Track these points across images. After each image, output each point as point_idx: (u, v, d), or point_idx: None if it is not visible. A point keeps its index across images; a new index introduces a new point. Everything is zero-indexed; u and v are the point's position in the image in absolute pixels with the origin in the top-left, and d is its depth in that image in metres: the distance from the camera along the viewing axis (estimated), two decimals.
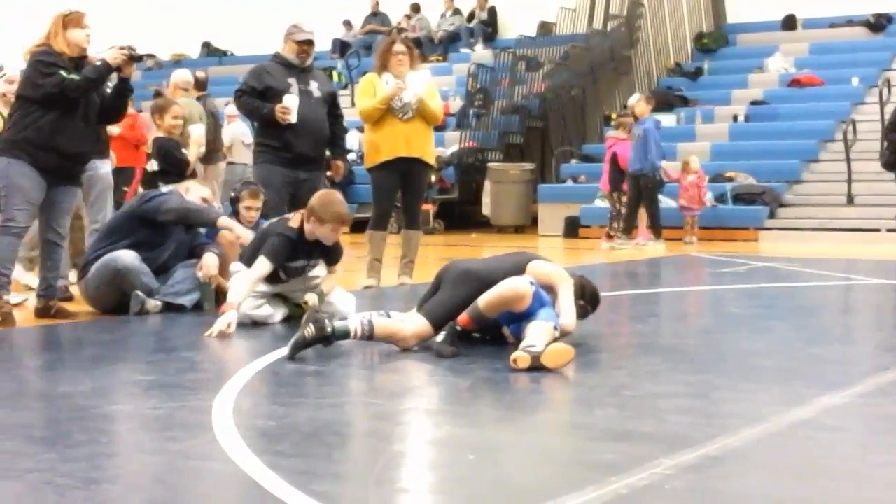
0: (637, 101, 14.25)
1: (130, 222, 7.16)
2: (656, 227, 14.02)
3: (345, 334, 5.40)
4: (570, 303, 5.56)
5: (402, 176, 8.54)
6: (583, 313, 5.79)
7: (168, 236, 7.20)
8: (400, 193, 8.71)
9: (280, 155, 8.05)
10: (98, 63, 6.62)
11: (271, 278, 6.48)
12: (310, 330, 5.26)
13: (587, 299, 5.84)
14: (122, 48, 6.68)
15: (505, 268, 5.63)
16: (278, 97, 7.95)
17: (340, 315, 6.19)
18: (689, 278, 10.33)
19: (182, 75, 10.84)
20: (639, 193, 13.90)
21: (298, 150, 8.03)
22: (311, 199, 6.45)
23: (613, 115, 19.25)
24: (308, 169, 8.13)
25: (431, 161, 8.77)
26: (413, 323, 5.51)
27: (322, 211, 6.33)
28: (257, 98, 8.05)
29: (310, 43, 8.16)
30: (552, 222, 17.29)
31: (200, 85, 11.91)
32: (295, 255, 6.48)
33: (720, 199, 16.07)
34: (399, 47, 8.51)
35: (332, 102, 8.36)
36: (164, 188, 8.16)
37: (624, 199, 14.46)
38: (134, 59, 6.73)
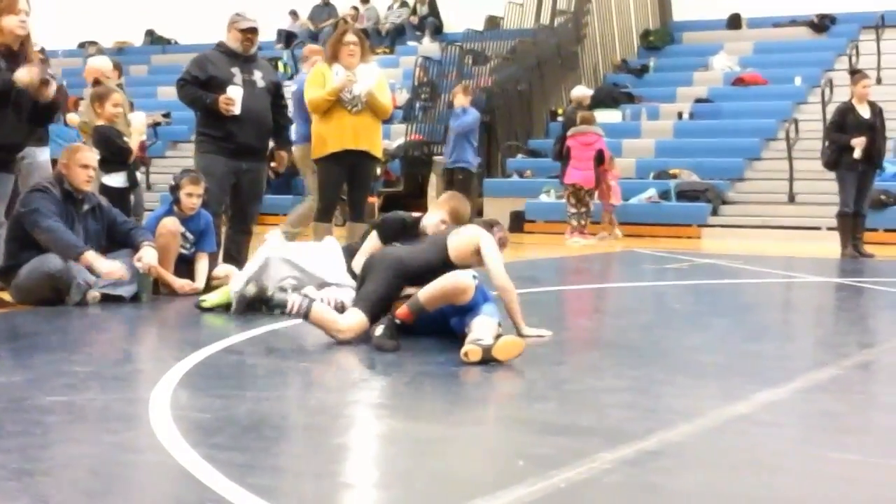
0: (455, 92, 14.22)
1: (24, 229, 6.99)
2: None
3: (281, 305, 5.40)
4: (496, 262, 5.58)
5: (349, 168, 8.50)
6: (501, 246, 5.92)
7: (73, 229, 7.00)
8: (346, 186, 8.67)
9: (222, 145, 7.98)
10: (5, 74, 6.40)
11: None
12: (251, 287, 5.42)
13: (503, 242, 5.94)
14: (39, 76, 6.43)
15: (428, 255, 5.65)
16: (221, 87, 7.88)
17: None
18: (631, 274, 10.38)
19: (100, 62, 10.56)
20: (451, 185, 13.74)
21: (241, 141, 7.96)
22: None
23: (560, 111, 19.33)
24: (251, 160, 8.07)
25: (378, 154, 8.73)
26: (349, 316, 5.49)
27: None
28: (200, 88, 7.96)
29: (254, 31, 8.09)
30: (498, 217, 17.21)
31: (120, 73, 11.52)
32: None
33: (664, 195, 16.19)
34: (350, 38, 8.44)
35: (275, 93, 8.29)
36: (106, 177, 8.09)
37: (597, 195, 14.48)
38: (46, 84, 6.49)
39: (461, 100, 14.20)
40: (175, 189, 7.60)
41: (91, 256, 6.84)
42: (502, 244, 5.84)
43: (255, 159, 8.11)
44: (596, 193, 15.02)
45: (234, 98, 7.83)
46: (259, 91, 8.07)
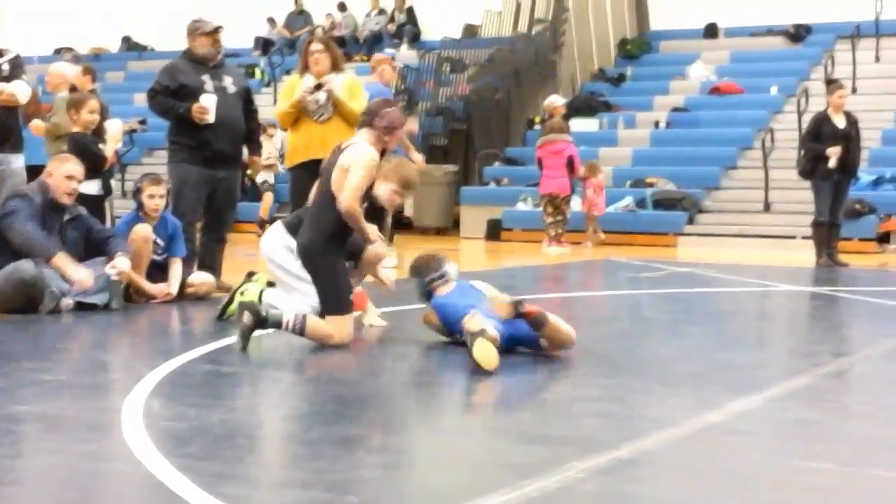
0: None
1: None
2: None
3: (276, 324, 5.45)
4: (349, 183, 5.62)
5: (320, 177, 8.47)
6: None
7: (51, 236, 6.98)
8: None
9: (197, 153, 7.94)
10: None
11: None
12: (247, 317, 5.35)
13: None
14: None
15: (314, 209, 5.86)
16: (193, 95, 7.84)
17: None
18: (607, 283, 10.40)
19: (63, 68, 10.43)
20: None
21: (216, 149, 7.93)
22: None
23: (537, 119, 19.36)
24: (225, 167, 8.04)
25: None
26: (339, 327, 5.55)
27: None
28: (170, 97, 7.94)
29: (217, 30, 8.07)
30: (474, 225, 17.32)
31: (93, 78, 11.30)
32: None
33: (640, 204, 16.24)
34: (315, 46, 8.31)
35: (246, 98, 8.26)
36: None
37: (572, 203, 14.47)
38: None
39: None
40: (137, 193, 7.58)
41: (61, 260, 6.81)
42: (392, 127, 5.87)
43: (229, 167, 8.09)
44: (579, 203, 15.05)
45: (207, 106, 7.80)
46: (231, 97, 8.05)
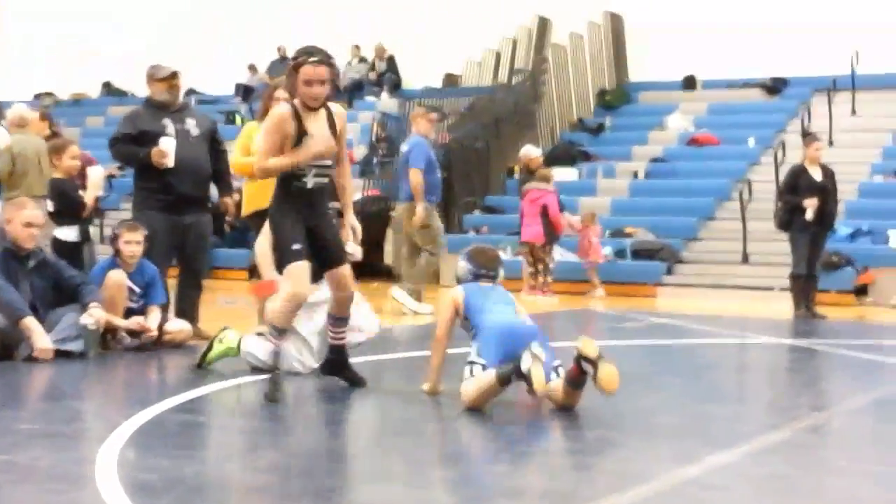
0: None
1: None
2: None
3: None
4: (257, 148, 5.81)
5: None
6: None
7: (18, 286, 6.88)
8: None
9: (160, 198, 7.90)
10: None
11: None
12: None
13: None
14: None
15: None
16: (154, 141, 7.82)
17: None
18: (585, 333, 10.39)
19: (17, 110, 10.38)
20: None
21: (179, 192, 7.89)
22: None
23: (516, 168, 19.43)
24: (192, 212, 7.98)
25: None
26: (287, 277, 5.60)
27: None
28: (132, 143, 7.93)
29: (176, 76, 8.08)
30: (455, 273, 17.29)
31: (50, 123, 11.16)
32: None
33: (619, 254, 16.27)
34: (281, 93, 8.37)
35: (212, 139, 8.19)
36: (58, 230, 8.02)
37: (551, 251, 14.44)
38: None
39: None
40: (114, 240, 7.54)
41: (30, 323, 6.71)
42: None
43: (195, 210, 8.02)
44: (560, 252, 15.06)
45: (166, 150, 7.79)
46: (194, 139, 8.01)
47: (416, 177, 11.03)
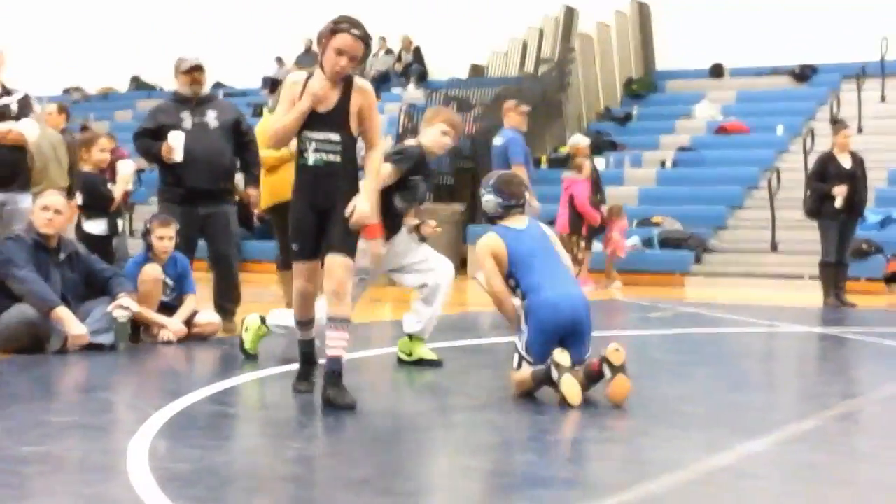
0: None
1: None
2: None
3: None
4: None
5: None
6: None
7: (48, 278, 6.93)
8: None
9: (175, 191, 8.00)
10: None
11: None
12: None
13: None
14: None
15: None
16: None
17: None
18: (614, 323, 10.37)
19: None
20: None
21: (191, 185, 7.93)
22: None
23: (543, 158, 19.39)
24: (208, 203, 8.01)
25: None
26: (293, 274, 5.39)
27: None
28: (152, 137, 7.99)
29: (198, 69, 8.10)
30: (482, 209, 17.19)
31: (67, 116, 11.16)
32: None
33: (647, 243, 16.22)
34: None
35: (237, 130, 8.16)
36: (87, 223, 8.08)
37: (582, 242, 14.32)
38: None
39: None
40: (146, 234, 7.57)
41: (63, 313, 6.75)
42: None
43: (211, 202, 8.04)
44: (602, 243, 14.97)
45: (173, 145, 7.84)
46: (211, 132, 8.02)
47: (520, 171, 10.96)
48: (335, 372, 5.04)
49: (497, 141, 11.69)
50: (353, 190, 5.11)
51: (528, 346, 5.33)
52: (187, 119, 7.98)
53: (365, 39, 5.08)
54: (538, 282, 5.36)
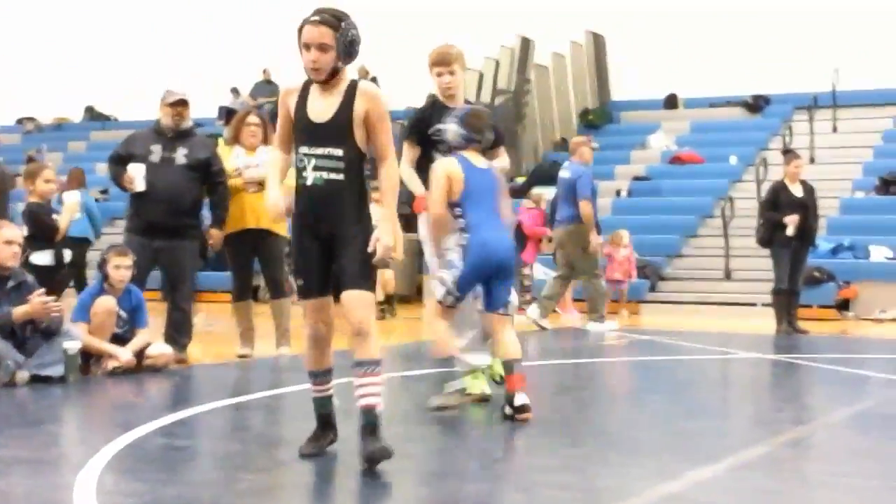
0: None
1: None
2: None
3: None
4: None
5: (253, 248, 8.50)
6: None
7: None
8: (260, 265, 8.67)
9: (135, 222, 8.07)
10: None
11: None
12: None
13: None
14: None
15: None
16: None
17: None
18: (568, 351, 10.40)
19: None
20: None
21: (148, 218, 7.97)
22: None
23: None
24: (163, 237, 8.00)
25: (281, 231, 8.54)
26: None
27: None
28: (122, 164, 8.03)
29: (182, 104, 8.10)
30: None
31: None
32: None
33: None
34: (252, 119, 8.63)
35: (206, 170, 8.18)
36: (33, 255, 8.00)
37: (525, 269, 14.35)
38: None
39: None
40: (102, 265, 7.50)
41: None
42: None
43: (168, 237, 8.02)
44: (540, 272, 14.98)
45: (133, 175, 7.86)
46: (176, 168, 8.02)
47: (587, 207, 11.67)
48: (372, 425, 4.40)
49: (564, 173, 12.07)
50: (362, 213, 4.50)
51: (459, 280, 5.62)
52: (157, 152, 8.00)
53: (327, 22, 4.39)
54: (480, 221, 5.66)
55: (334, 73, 4.45)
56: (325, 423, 4.68)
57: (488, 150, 5.94)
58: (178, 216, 8.03)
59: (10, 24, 25.94)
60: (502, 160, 6.28)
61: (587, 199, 11.69)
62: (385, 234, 4.42)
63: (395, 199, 4.57)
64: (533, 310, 11.97)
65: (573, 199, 11.66)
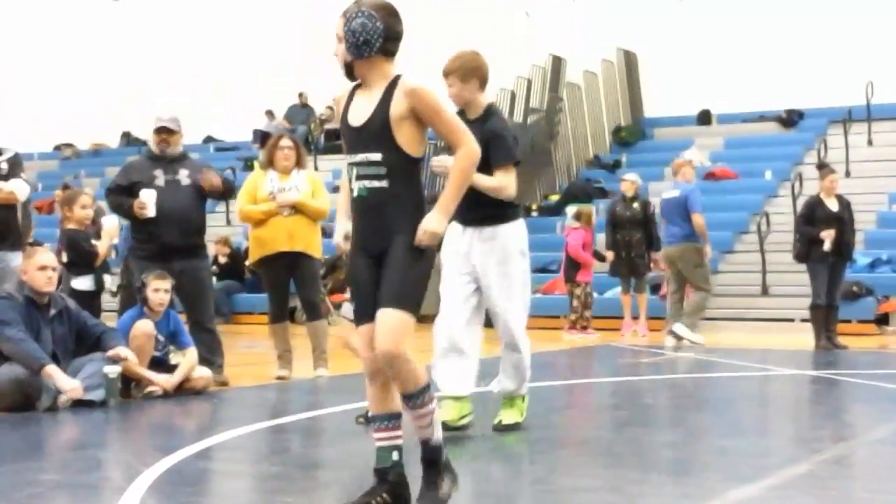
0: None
1: None
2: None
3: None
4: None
5: (288, 270, 8.54)
6: None
7: (39, 335, 6.88)
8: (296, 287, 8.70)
9: (148, 248, 8.06)
10: None
11: None
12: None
13: None
14: None
15: None
16: None
17: None
18: (606, 369, 10.36)
19: None
20: None
21: (163, 241, 7.98)
22: None
23: (534, 206, 19.46)
24: (181, 259, 8.02)
25: (315, 254, 8.63)
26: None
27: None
28: (126, 194, 8.05)
29: (167, 131, 8.18)
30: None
31: None
32: None
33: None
34: (285, 142, 8.68)
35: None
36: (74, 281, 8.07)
37: (577, 290, 14.27)
38: None
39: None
40: (142, 288, 7.55)
41: (52, 370, 6.71)
42: None
43: (185, 257, 8.06)
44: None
45: (145, 201, 7.91)
46: (183, 189, 8.10)
47: (700, 219, 12.28)
48: (432, 461, 4.05)
49: (671, 193, 12.59)
50: (417, 226, 4.01)
51: None
52: (160, 177, 8.07)
53: (345, 12, 4.05)
54: None
55: (350, 69, 4.07)
56: (382, 479, 4.02)
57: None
58: (190, 236, 8.13)
59: (48, 51, 26.23)
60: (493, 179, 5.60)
61: (700, 212, 12.24)
62: (431, 219, 4.00)
63: (461, 181, 4.10)
64: (680, 328, 12.11)
65: (684, 216, 12.19)
